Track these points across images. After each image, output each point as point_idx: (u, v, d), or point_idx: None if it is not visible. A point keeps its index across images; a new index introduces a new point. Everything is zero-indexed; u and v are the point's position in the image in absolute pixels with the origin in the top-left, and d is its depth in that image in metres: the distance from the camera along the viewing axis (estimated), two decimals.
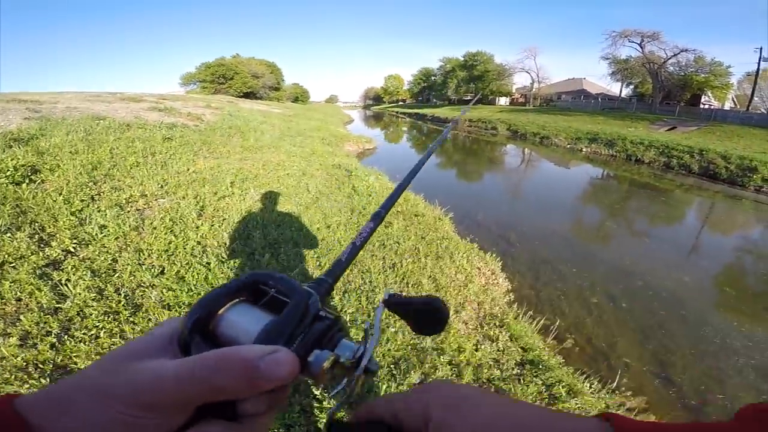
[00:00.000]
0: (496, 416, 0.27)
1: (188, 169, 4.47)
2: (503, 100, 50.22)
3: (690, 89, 31.98)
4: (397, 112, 48.49)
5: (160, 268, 2.49)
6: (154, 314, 2.07)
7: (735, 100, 36.98)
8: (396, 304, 0.34)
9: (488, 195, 8.87)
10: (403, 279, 2.96)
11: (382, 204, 0.48)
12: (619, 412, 1.13)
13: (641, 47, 32.01)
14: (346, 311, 2.40)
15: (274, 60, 45.74)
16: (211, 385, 0.22)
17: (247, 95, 36.10)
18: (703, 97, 33.75)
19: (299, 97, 51.89)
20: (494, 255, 3.92)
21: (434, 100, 62.23)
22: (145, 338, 0.27)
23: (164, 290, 2.28)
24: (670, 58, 31.06)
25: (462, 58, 51.25)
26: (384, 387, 1.86)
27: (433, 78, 61.85)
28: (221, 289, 0.29)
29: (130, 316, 2.03)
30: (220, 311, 0.28)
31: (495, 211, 6.75)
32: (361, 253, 2.88)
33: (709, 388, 2.67)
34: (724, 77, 31.23)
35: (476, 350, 2.29)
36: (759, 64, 28.25)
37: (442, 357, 2.13)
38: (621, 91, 39.31)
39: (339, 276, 0.36)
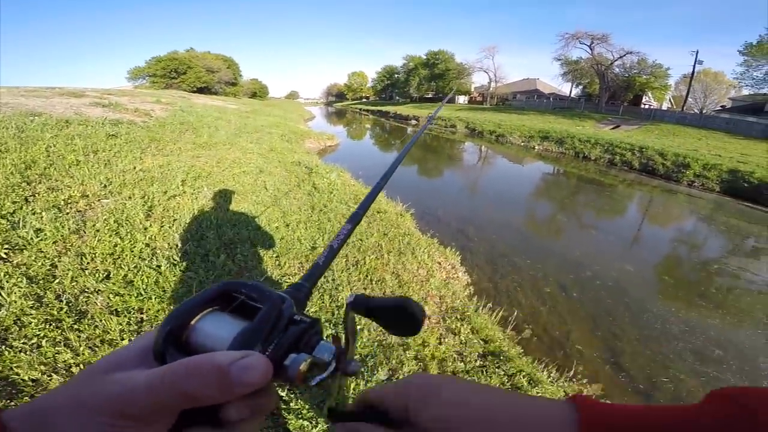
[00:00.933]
0: (468, 400, 0.29)
1: (135, 168, 4.23)
2: (462, 99, 51.60)
3: (633, 90, 34.59)
4: (360, 109, 48.33)
5: (105, 273, 2.36)
6: (101, 320, 1.97)
7: (672, 100, 40.29)
8: (362, 306, 0.33)
9: (448, 191, 9.11)
10: (366, 276, 2.99)
11: (359, 205, 0.48)
12: None
13: (591, 49, 34.12)
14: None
15: (232, 55, 43.99)
16: (183, 391, 0.23)
17: (202, 90, 34.42)
18: (644, 97, 36.61)
19: (258, 92, 50.19)
20: (454, 249, 4.04)
21: (397, 98, 62.69)
22: (122, 351, 0.27)
23: (111, 295, 2.17)
24: (616, 60, 33.36)
25: (424, 57, 52.04)
26: (353, 385, 1.88)
27: (396, 76, 62.35)
28: (193, 299, 0.29)
29: (74, 324, 1.92)
30: (193, 321, 0.28)
31: (454, 206, 6.95)
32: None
33: (654, 372, 2.85)
34: (663, 79, 34.06)
35: (440, 344, 2.34)
36: (694, 66, 30.97)
37: (407, 352, 2.18)
38: (571, 91, 41.77)
39: (317, 280, 0.36)
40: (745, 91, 30.49)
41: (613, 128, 22.94)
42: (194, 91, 31.95)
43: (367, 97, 78.41)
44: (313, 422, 1.64)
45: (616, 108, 30.43)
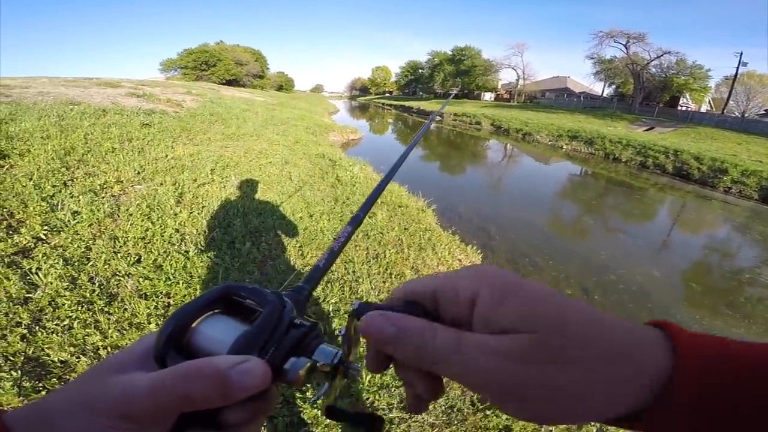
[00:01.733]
0: (543, 302, 0.24)
1: (167, 156, 4.36)
2: (488, 96, 50.60)
3: (669, 91, 33.01)
4: (383, 104, 48.23)
5: (137, 257, 2.44)
6: (130, 304, 2.03)
7: (711, 103, 38.31)
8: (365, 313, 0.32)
9: (470, 188, 8.98)
10: (386, 269, 2.99)
11: (360, 207, 0.47)
12: None
13: (626, 48, 32.77)
14: (329, 301, 2.42)
15: (260, 48, 44.77)
16: (182, 394, 0.23)
17: (230, 83, 35.22)
18: (681, 99, 34.88)
19: (284, 85, 50.96)
20: (475, 247, 3.99)
21: (421, 93, 62.25)
22: (124, 353, 0.28)
23: (141, 279, 2.24)
24: (653, 60, 31.93)
25: (450, 53, 51.37)
26: (367, 378, 1.86)
27: (420, 71, 61.82)
28: (194, 302, 0.29)
29: (105, 306, 1.99)
30: (194, 324, 0.28)
31: (476, 203, 6.85)
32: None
33: None
34: (703, 80, 32.30)
35: None
36: (738, 68, 29.35)
37: None
38: (603, 91, 40.25)
39: (317, 282, 0.36)
40: None
41: (646, 130, 22.00)
42: (223, 83, 32.72)
43: (391, 92, 78.17)
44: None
45: (650, 109, 29.16)
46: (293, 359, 0.27)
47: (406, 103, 41.89)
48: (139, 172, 3.65)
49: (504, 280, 0.25)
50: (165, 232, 2.75)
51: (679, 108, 32.05)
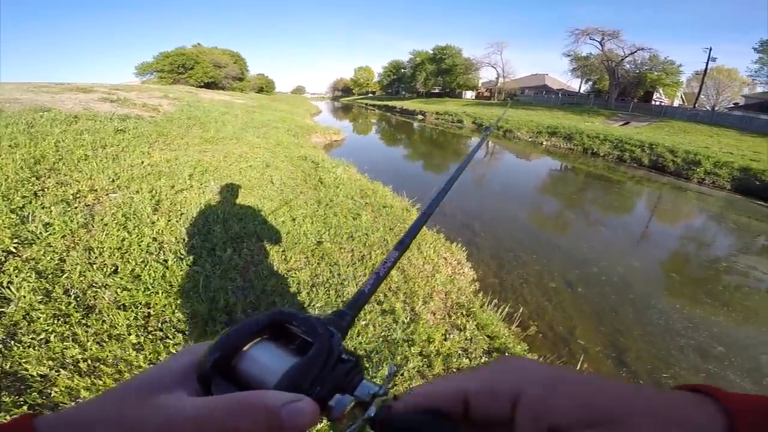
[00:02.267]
0: (596, 393, 0.23)
1: (143, 162, 4.25)
2: (469, 94, 51.12)
3: (643, 86, 34.04)
4: (366, 104, 48.15)
5: (113, 267, 2.37)
6: (108, 315, 1.98)
7: (683, 97, 39.62)
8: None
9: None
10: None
11: (406, 233, 0.47)
12: None
13: (601, 45, 33.59)
14: (314, 305, 2.41)
15: (239, 50, 44.09)
16: (230, 429, 0.22)
17: (209, 85, 34.61)
18: (654, 94, 35.99)
19: (264, 87, 50.33)
20: (460, 245, 4.03)
21: (404, 93, 62.39)
22: (163, 369, 0.27)
23: (118, 290, 2.18)
24: (627, 56, 32.82)
25: (431, 52, 51.62)
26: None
27: (402, 71, 61.98)
28: (244, 327, 0.28)
29: (82, 318, 1.93)
30: (244, 348, 0.28)
31: (460, 201, 6.91)
32: (329, 245, 2.85)
33: (657, 369, 2.86)
34: (675, 75, 33.43)
35: (445, 340, 2.33)
36: (707, 63, 30.44)
37: (412, 348, 2.17)
38: (580, 87, 41.16)
39: (361, 308, 0.35)
40: (760, 89, 29.95)
41: (622, 125, 22.61)
42: (201, 86, 32.13)
43: (374, 92, 78.12)
44: None
45: (626, 104, 30.00)
46: (338, 396, 0.27)
47: (390, 103, 41.91)
48: (113, 180, 3.56)
49: (549, 373, 0.24)
50: (142, 241, 2.68)
51: (653, 103, 33.08)
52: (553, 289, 3.85)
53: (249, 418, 0.22)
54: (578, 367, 2.55)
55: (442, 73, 49.93)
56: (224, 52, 40.71)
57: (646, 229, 7.00)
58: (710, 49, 29.86)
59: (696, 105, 31.12)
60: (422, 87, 53.79)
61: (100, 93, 9.45)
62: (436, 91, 53.63)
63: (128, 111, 7.45)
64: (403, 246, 0.44)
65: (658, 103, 33.46)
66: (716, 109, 30.54)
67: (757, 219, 8.09)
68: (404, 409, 0.27)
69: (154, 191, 3.51)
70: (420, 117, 28.75)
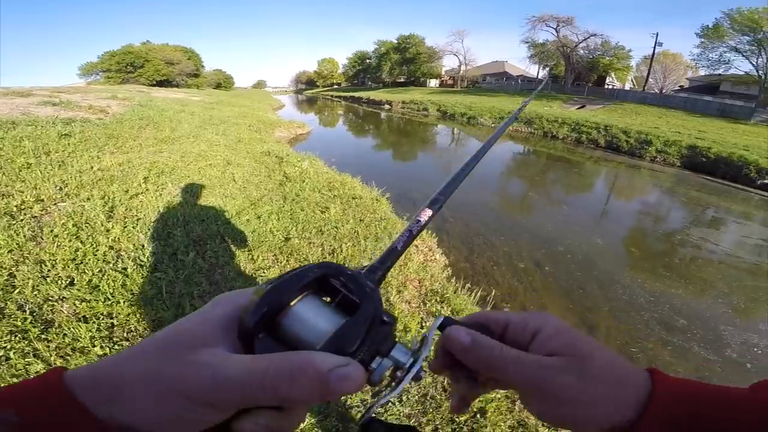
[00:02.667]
0: (583, 343, 0.32)
1: (92, 167, 4.02)
2: (433, 82, 51.50)
3: (597, 71, 35.69)
4: (332, 96, 47.42)
5: (69, 279, 2.27)
6: (69, 328, 1.90)
7: (634, 81, 41.77)
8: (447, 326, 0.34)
9: (422, 173, 9.18)
10: (343, 263, 2.99)
11: (439, 190, 0.44)
12: None
13: (557, 32, 34.72)
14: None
15: (192, 46, 42.00)
16: (279, 394, 0.22)
17: (162, 84, 32.86)
18: (607, 78, 37.77)
19: (222, 83, 48.27)
20: (430, 231, 4.09)
21: (369, 83, 61.85)
22: (199, 320, 0.25)
23: (77, 302, 2.09)
24: (581, 42, 34.16)
25: (396, 41, 51.34)
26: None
27: (368, 61, 61.31)
28: (292, 279, 0.26)
29: (41, 333, 1.85)
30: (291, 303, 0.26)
31: (429, 188, 6.98)
32: (297, 241, 2.83)
33: (626, 344, 2.99)
34: (625, 60, 35.24)
35: (421, 328, 2.36)
36: (654, 48, 32.18)
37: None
38: (538, 73, 42.43)
39: (392, 265, 0.34)
40: (702, 72, 31.99)
41: (578, 108, 23.59)
42: (154, 85, 30.51)
43: (339, 84, 76.93)
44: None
45: (581, 89, 31.27)
46: (379, 359, 0.26)
47: (356, 94, 41.47)
48: (61, 188, 3.35)
49: (560, 323, 0.34)
50: (98, 250, 2.57)
51: (606, 87, 34.70)
52: (522, 270, 3.98)
53: (299, 384, 0.22)
54: None
55: (407, 63, 49.91)
56: (176, 49, 38.66)
57: (605, 206, 7.38)
58: (657, 35, 31.64)
59: (645, 88, 32.98)
60: (388, 77, 53.52)
61: (40, 96, 8.78)
62: (402, 80, 53.57)
63: (73, 114, 6.97)
64: (437, 203, 0.42)
65: (610, 87, 35.15)
66: (664, 91, 32.61)
67: (706, 192, 8.73)
68: (466, 321, 0.36)
69: (106, 197, 3.35)
70: (387, 107, 28.67)
